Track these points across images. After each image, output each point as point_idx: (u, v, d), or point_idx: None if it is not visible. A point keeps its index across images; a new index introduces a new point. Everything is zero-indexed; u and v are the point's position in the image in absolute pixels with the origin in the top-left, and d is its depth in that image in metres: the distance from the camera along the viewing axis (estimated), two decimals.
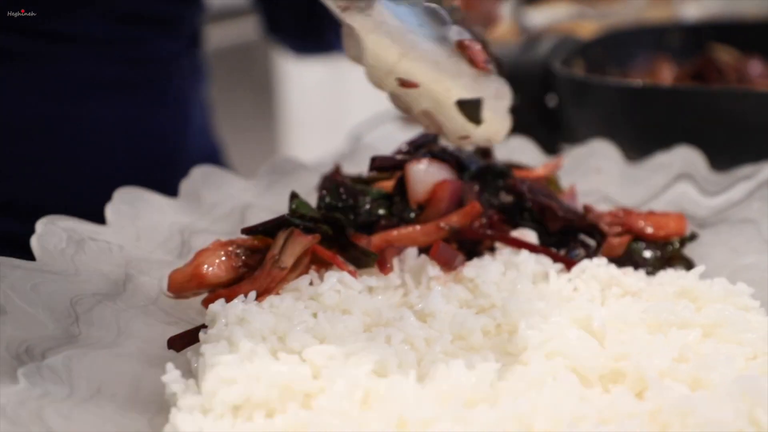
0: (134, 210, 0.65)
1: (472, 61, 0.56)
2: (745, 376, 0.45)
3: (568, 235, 0.64)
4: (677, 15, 1.49)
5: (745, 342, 0.51)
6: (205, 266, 0.57)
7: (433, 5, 0.57)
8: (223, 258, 0.57)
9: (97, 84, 0.86)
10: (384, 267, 0.58)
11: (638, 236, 0.65)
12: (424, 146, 0.70)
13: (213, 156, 1.03)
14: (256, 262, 0.58)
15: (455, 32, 0.57)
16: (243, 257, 0.58)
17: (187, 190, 0.71)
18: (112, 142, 0.88)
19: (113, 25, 0.85)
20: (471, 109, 0.59)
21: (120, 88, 0.88)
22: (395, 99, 0.60)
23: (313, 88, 2.42)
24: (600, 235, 0.63)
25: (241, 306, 0.53)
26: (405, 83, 0.57)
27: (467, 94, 0.59)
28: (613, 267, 0.60)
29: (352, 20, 0.53)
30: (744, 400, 0.43)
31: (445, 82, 0.58)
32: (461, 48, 0.56)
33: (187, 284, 0.57)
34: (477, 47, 0.57)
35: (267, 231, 0.58)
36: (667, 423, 0.43)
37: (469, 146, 0.66)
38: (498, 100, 0.59)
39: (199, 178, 0.73)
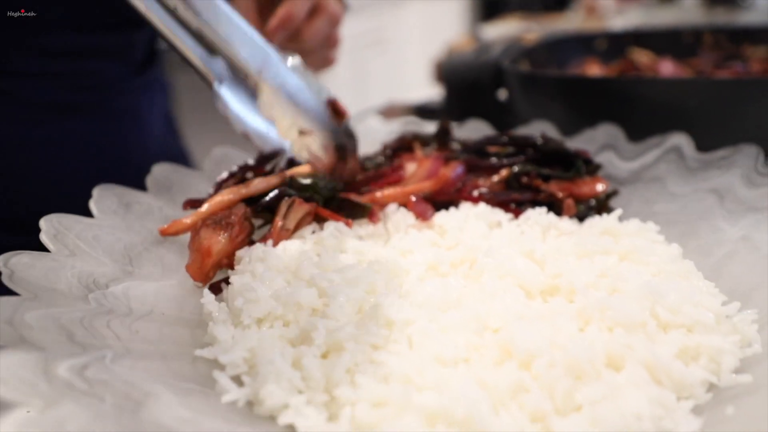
0: (169, 181, 0.70)
1: (339, 113, 0.64)
2: (648, 282, 0.51)
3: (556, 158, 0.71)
4: (606, 27, 1.56)
5: (650, 264, 0.57)
6: (210, 247, 0.57)
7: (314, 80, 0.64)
8: (222, 234, 0.59)
9: (51, 109, 0.81)
10: (374, 218, 0.64)
11: (576, 197, 0.71)
12: (401, 149, 0.76)
13: (178, 160, 0.91)
14: (244, 218, 0.60)
15: (325, 91, 0.65)
16: (233, 224, 0.59)
17: (208, 167, 0.77)
18: (70, 158, 0.83)
19: (60, 60, 0.81)
20: (342, 151, 0.67)
21: (73, 112, 0.83)
22: (297, 144, 0.66)
23: None
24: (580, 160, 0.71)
25: (262, 248, 0.58)
26: (304, 131, 0.64)
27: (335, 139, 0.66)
28: (552, 215, 0.66)
29: (264, 90, 0.61)
30: (647, 299, 0.50)
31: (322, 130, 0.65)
32: (330, 103, 0.64)
33: (204, 267, 0.57)
34: (341, 102, 0.65)
35: (271, 205, 0.63)
36: (590, 317, 0.49)
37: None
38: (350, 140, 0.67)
39: (215, 160, 0.78)
